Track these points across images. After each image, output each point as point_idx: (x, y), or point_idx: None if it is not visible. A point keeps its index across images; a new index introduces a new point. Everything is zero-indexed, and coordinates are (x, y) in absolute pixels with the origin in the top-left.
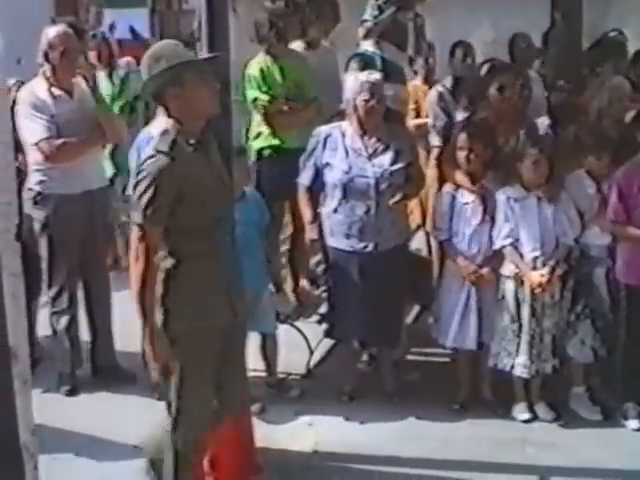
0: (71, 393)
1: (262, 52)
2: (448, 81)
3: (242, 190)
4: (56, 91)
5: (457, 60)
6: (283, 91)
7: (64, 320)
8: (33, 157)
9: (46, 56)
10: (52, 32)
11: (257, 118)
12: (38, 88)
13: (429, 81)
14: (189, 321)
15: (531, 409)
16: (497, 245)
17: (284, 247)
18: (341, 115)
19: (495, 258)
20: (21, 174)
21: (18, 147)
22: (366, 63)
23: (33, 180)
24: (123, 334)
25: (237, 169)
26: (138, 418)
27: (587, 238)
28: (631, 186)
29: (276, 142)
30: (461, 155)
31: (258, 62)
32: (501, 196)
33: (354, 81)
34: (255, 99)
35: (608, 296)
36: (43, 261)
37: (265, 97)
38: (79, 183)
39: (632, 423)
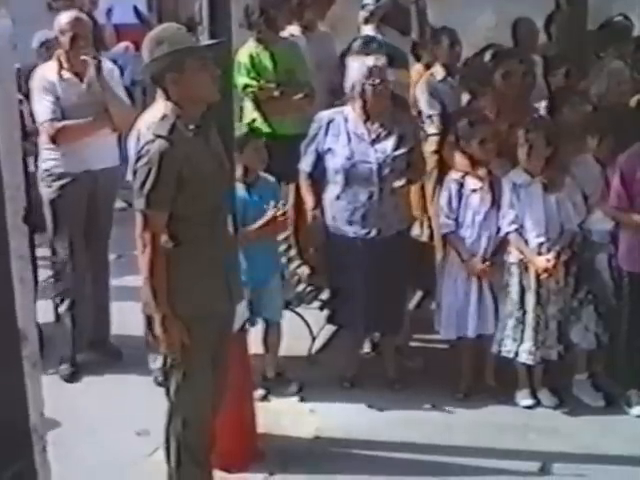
0: (71, 377)
1: (252, 39)
2: (437, 69)
3: (256, 174)
4: (66, 74)
5: (443, 47)
6: (274, 78)
7: (67, 300)
8: (42, 137)
9: (57, 41)
10: (64, 18)
11: (249, 105)
12: (49, 71)
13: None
14: (191, 307)
15: (534, 395)
16: (502, 231)
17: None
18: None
19: (502, 247)
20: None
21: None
22: (370, 47)
23: (42, 159)
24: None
25: (251, 152)
26: (141, 404)
27: (589, 223)
28: (634, 172)
29: (269, 129)
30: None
31: (248, 49)
32: (507, 182)
33: (361, 66)
34: (245, 86)
35: (611, 282)
36: (48, 240)
37: (255, 83)
38: (82, 163)
39: (635, 410)
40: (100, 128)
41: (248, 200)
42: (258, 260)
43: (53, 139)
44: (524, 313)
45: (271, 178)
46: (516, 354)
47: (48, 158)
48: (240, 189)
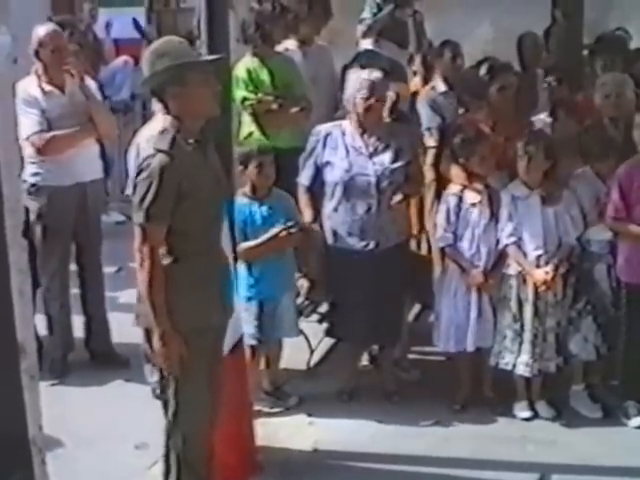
0: (61, 377)
1: (248, 53)
2: (438, 82)
3: (267, 189)
4: (47, 87)
5: (445, 60)
6: (271, 92)
7: (56, 305)
8: (27, 151)
9: (37, 54)
10: (42, 31)
11: (246, 118)
12: (30, 85)
13: (429, 81)
14: (188, 321)
15: (532, 407)
16: (501, 244)
17: None
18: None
19: (502, 260)
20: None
21: None
22: (370, 61)
23: (27, 172)
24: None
25: (254, 169)
26: (140, 417)
27: (588, 234)
28: (632, 183)
29: (267, 142)
30: (486, 161)
31: (245, 63)
32: (505, 195)
33: (355, 79)
34: (244, 99)
35: (609, 292)
36: (37, 250)
37: (253, 96)
38: (71, 175)
39: (633, 421)
40: (86, 138)
41: (258, 215)
42: (268, 277)
43: (41, 151)
44: (522, 325)
45: (284, 193)
46: (514, 366)
47: (35, 172)
48: (247, 204)
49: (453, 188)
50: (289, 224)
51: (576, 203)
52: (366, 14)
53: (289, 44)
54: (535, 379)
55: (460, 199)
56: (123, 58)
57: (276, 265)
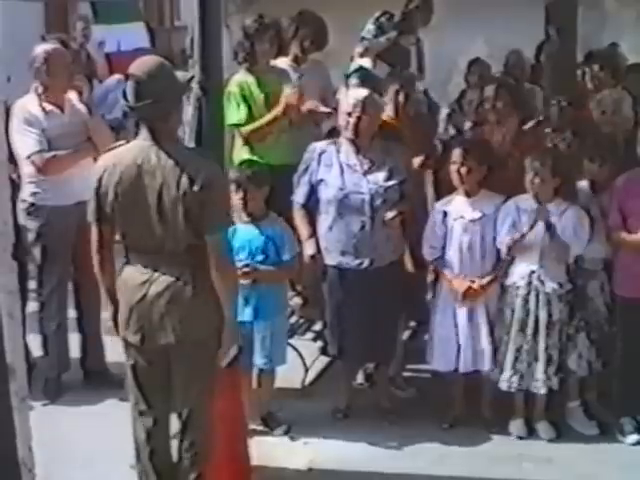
0: (56, 397)
1: (242, 70)
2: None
3: (261, 210)
4: (47, 106)
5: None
6: (263, 107)
7: (52, 325)
8: (26, 170)
9: (36, 73)
10: (41, 49)
11: (238, 143)
12: (30, 104)
13: (399, 115)
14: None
15: (528, 425)
16: (502, 253)
17: None
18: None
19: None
20: (14, 187)
21: (12, 160)
22: (362, 80)
23: (26, 192)
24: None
25: (253, 189)
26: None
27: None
28: (628, 192)
29: (258, 159)
30: (453, 169)
31: (237, 78)
32: (511, 205)
33: (345, 97)
34: (236, 125)
35: (604, 308)
36: (36, 268)
37: (243, 117)
38: (70, 195)
39: (629, 438)
40: (86, 157)
41: (255, 237)
42: (241, 304)
43: (41, 171)
44: (521, 344)
45: (278, 219)
46: (512, 384)
47: (34, 191)
48: (244, 225)
49: (439, 203)
50: (246, 262)
51: (578, 219)
52: (366, 33)
53: (279, 62)
54: (538, 398)
55: (445, 213)
56: (116, 77)
57: (245, 292)
